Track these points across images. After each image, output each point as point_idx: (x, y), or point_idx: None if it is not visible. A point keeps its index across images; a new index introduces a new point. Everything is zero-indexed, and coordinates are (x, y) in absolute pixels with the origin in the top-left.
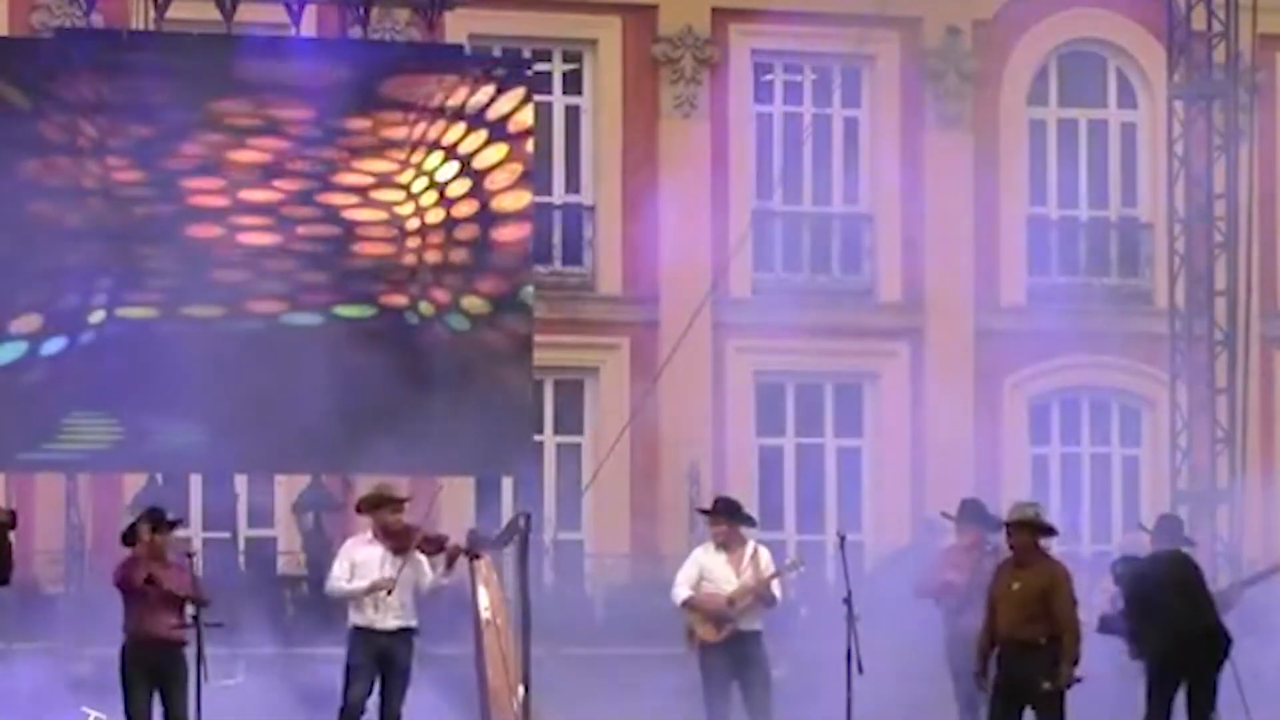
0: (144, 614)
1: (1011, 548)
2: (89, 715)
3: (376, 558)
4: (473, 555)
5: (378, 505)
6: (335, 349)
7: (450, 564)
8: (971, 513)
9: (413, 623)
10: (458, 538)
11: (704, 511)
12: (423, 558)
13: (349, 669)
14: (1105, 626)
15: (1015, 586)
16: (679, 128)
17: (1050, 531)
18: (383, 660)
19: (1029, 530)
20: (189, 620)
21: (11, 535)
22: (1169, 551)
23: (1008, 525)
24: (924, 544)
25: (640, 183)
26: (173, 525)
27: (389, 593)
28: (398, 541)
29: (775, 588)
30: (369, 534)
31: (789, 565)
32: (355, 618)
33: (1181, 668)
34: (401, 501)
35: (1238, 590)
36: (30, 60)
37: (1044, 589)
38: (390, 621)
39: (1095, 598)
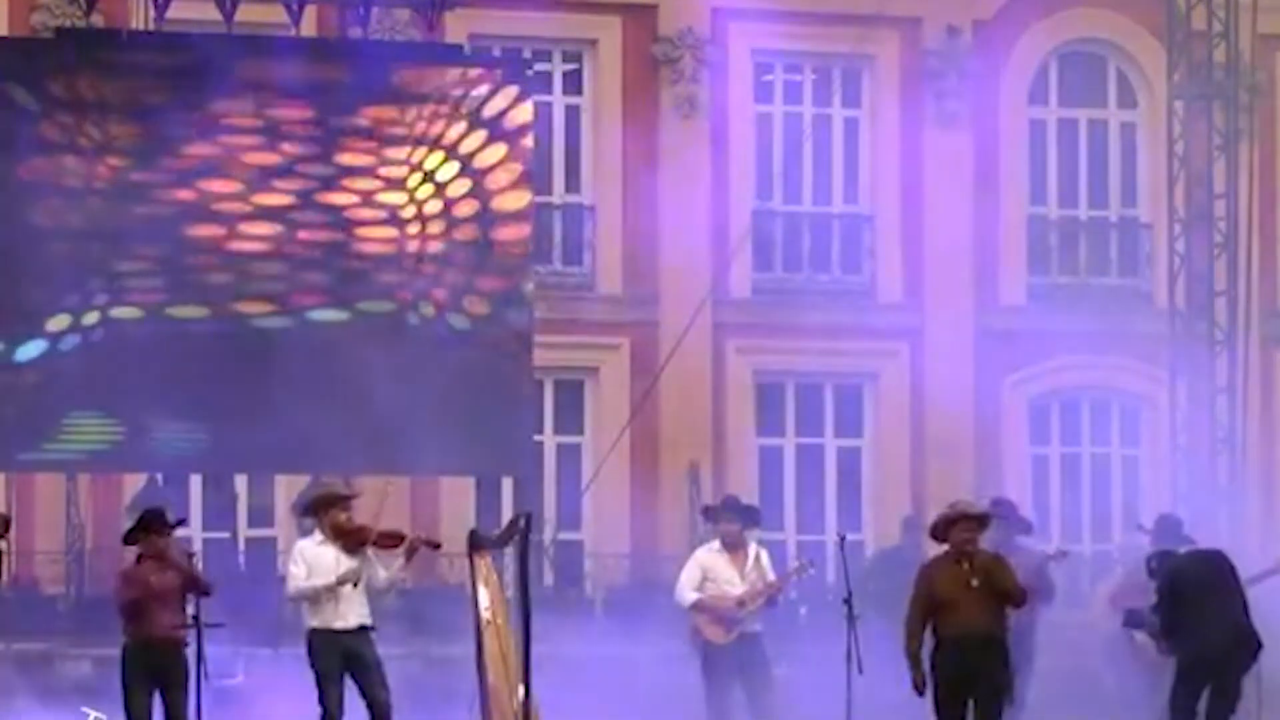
0: (144, 615)
1: (968, 542)
2: (89, 715)
3: (330, 559)
4: (434, 546)
5: (328, 505)
6: (336, 349)
7: (409, 558)
8: (999, 513)
9: (370, 620)
10: (458, 538)
11: (714, 511)
12: (373, 555)
13: (320, 676)
14: (1131, 620)
15: (975, 583)
16: (679, 128)
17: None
18: (349, 659)
19: (981, 525)
20: (189, 620)
21: (5, 542)
22: (1208, 550)
23: (983, 517)
24: (911, 545)
25: (640, 183)
26: (173, 526)
27: (355, 585)
28: (350, 540)
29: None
30: (319, 536)
31: (800, 568)
32: (313, 620)
33: (1211, 667)
34: (349, 499)
35: None
36: (30, 60)
37: (1003, 586)
38: (351, 620)
39: (1095, 597)
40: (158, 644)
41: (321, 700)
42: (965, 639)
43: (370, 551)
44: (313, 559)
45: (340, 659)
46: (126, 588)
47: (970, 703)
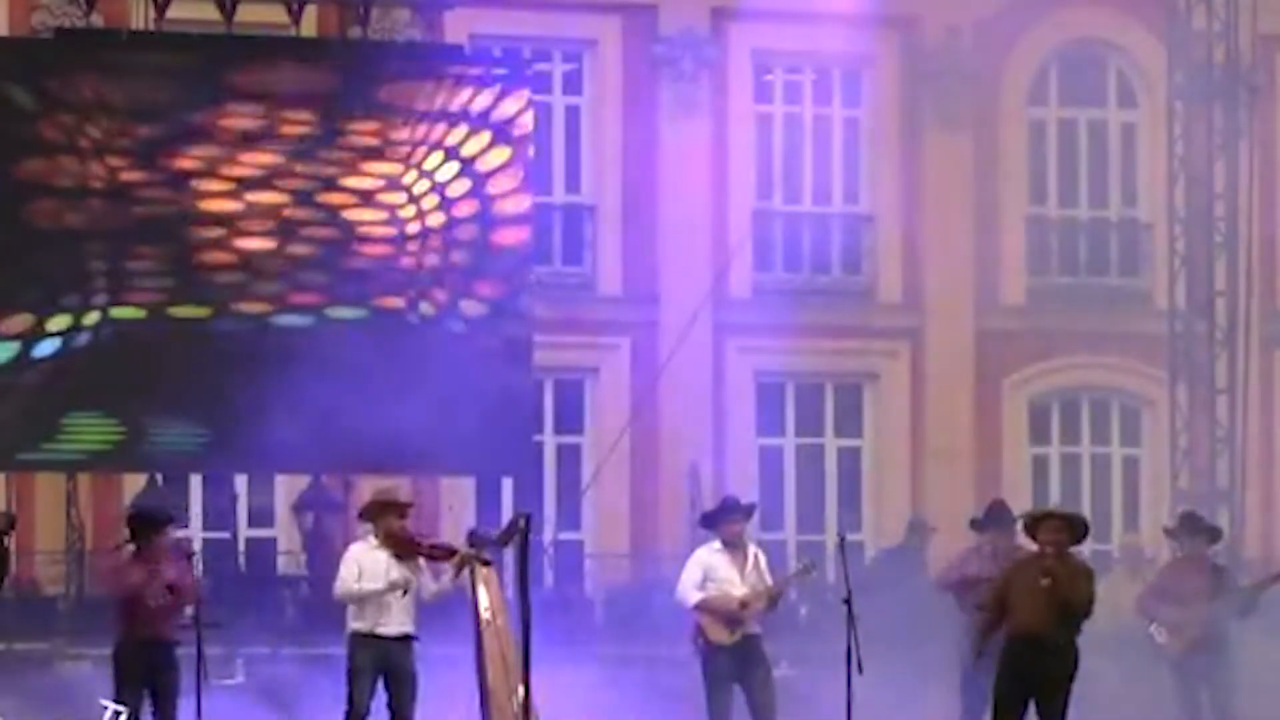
0: (138, 614)
1: (1049, 543)
2: (108, 708)
3: (382, 563)
4: (484, 563)
5: (383, 510)
6: (335, 349)
7: (458, 572)
8: (997, 517)
9: (413, 630)
10: (458, 538)
11: (714, 515)
12: (424, 565)
13: (352, 671)
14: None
15: (1045, 585)
16: (679, 128)
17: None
18: (386, 665)
19: (1070, 527)
20: (186, 619)
21: (9, 540)
22: None
23: (1071, 519)
24: (913, 546)
25: (640, 183)
26: (165, 523)
27: (404, 593)
28: (402, 548)
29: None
30: (372, 540)
31: (803, 569)
32: (356, 624)
33: None
34: (406, 506)
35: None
36: (30, 60)
37: (1064, 594)
38: (393, 627)
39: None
40: (151, 644)
41: (350, 696)
42: (1021, 639)
43: (422, 561)
44: (366, 562)
45: (377, 662)
46: (116, 584)
47: (1030, 704)
